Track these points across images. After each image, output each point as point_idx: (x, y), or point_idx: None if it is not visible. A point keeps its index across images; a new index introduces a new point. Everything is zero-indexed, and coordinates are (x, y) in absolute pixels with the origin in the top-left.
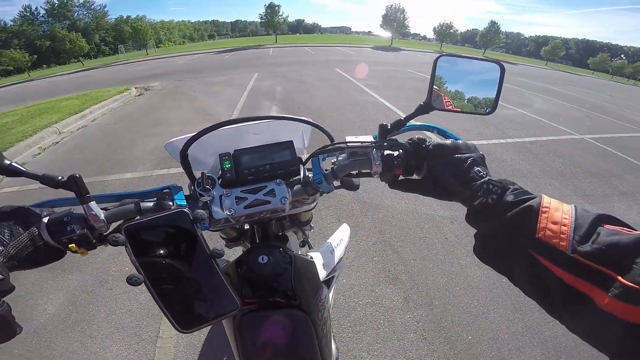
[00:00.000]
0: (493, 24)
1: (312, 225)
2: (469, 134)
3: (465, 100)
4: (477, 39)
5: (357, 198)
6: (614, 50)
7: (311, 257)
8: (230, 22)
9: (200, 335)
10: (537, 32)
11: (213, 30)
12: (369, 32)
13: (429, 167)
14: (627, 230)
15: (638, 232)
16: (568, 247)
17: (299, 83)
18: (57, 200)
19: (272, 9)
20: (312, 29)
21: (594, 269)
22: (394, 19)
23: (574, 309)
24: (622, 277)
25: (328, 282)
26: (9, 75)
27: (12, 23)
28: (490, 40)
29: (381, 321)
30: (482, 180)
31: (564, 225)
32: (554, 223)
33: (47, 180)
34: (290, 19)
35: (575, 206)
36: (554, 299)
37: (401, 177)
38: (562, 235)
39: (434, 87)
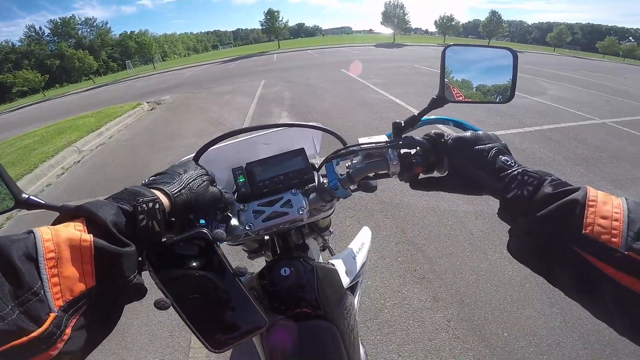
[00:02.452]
0: (494, 13)
1: (331, 230)
2: (484, 125)
3: (477, 90)
4: (480, 29)
5: (376, 198)
6: (620, 34)
7: (332, 265)
8: (232, 31)
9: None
10: (539, 19)
11: (216, 41)
12: (370, 30)
13: (450, 163)
14: None
15: None
16: (621, 244)
17: (306, 87)
18: None
19: (271, 15)
20: (314, 31)
21: None
22: (393, 15)
23: (628, 310)
24: None
25: (352, 289)
26: (25, 96)
27: (19, 43)
28: (493, 30)
29: (410, 322)
30: (516, 171)
31: (616, 220)
32: (604, 218)
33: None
34: (291, 24)
35: (626, 199)
36: (604, 300)
37: (422, 176)
38: (613, 231)
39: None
